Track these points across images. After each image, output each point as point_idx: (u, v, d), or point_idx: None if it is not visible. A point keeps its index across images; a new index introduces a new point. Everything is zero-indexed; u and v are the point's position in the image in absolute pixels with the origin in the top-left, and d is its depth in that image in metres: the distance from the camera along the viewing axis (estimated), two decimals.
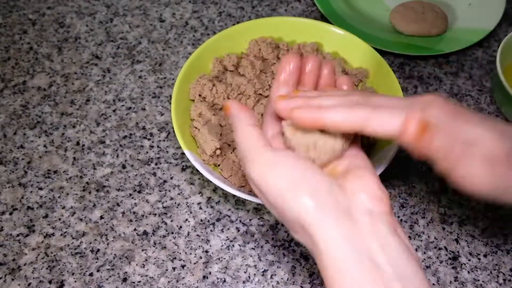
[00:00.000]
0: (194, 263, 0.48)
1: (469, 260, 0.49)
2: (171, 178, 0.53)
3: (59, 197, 0.51)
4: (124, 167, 0.54)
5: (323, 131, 0.35)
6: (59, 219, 0.50)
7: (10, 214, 0.50)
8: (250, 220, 0.50)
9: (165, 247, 0.48)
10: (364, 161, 0.35)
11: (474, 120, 0.32)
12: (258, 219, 0.51)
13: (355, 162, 0.35)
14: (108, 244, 0.49)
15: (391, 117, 0.32)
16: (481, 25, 0.65)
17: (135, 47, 0.64)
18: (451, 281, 0.47)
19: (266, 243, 0.49)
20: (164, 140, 0.56)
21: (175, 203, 0.51)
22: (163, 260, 0.48)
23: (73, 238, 0.49)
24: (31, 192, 0.52)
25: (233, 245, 0.49)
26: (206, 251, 0.48)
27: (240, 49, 0.57)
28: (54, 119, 0.57)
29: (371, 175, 0.33)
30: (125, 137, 0.56)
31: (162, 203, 0.51)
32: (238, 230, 0.50)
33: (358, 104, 0.34)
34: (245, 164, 0.34)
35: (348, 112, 0.33)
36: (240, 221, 0.50)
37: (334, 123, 0.33)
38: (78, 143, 0.55)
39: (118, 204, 0.51)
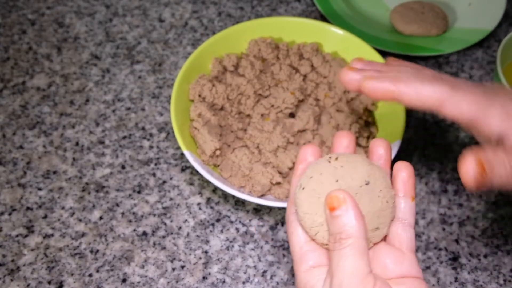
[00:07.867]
0: (194, 264, 0.48)
1: (469, 260, 0.49)
2: (171, 178, 0.53)
3: (58, 197, 0.51)
4: (123, 167, 0.53)
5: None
6: (59, 219, 0.50)
7: (9, 214, 0.50)
8: (249, 220, 0.50)
9: (164, 248, 0.48)
10: None
11: None
12: (258, 219, 0.50)
13: None
14: (107, 244, 0.48)
15: (468, 104, 0.30)
16: (481, 25, 0.65)
17: (134, 47, 0.64)
18: (451, 282, 0.47)
19: (265, 243, 0.49)
20: (163, 141, 0.56)
21: (175, 203, 0.51)
22: (162, 261, 0.48)
23: (72, 239, 0.49)
24: (30, 192, 0.51)
25: (232, 246, 0.49)
26: (206, 252, 0.48)
27: (240, 49, 0.57)
28: (54, 119, 0.57)
29: None
30: (124, 137, 0.56)
31: (162, 204, 0.51)
32: (238, 231, 0.50)
33: (435, 79, 0.30)
34: None
35: (426, 86, 0.30)
36: (240, 221, 0.50)
37: (409, 98, 0.30)
38: (77, 144, 0.55)
39: (117, 205, 0.51)
